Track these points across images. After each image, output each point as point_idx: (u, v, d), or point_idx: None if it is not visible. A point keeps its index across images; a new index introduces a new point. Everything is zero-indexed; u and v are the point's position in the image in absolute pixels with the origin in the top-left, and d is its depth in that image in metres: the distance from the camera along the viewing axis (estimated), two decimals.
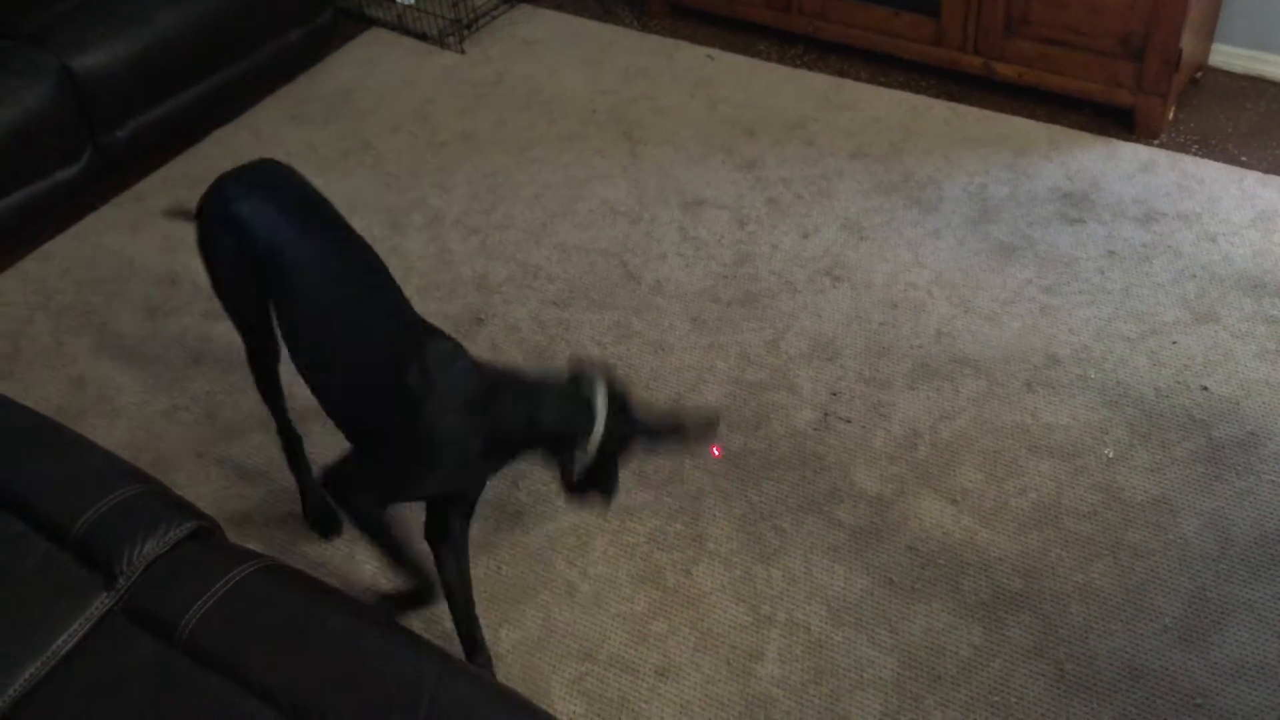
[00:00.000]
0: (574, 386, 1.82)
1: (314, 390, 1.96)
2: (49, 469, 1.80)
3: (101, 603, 1.61)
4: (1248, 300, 2.69)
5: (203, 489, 2.45)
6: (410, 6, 3.98)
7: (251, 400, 2.64)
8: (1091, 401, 2.50)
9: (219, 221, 2.04)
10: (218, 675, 1.51)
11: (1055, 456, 2.40)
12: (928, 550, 2.24)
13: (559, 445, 1.80)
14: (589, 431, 1.77)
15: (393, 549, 1.93)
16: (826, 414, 2.52)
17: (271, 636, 1.57)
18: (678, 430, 1.86)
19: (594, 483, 1.84)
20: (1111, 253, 2.85)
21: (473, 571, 2.26)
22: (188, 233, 3.12)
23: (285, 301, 1.94)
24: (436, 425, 1.77)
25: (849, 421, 2.50)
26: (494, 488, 2.41)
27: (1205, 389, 2.51)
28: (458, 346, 1.87)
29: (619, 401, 1.82)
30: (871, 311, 2.75)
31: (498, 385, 1.82)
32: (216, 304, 2.87)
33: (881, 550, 2.25)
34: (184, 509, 1.77)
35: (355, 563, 2.29)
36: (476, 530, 2.33)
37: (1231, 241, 2.85)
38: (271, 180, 2.10)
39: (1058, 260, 2.84)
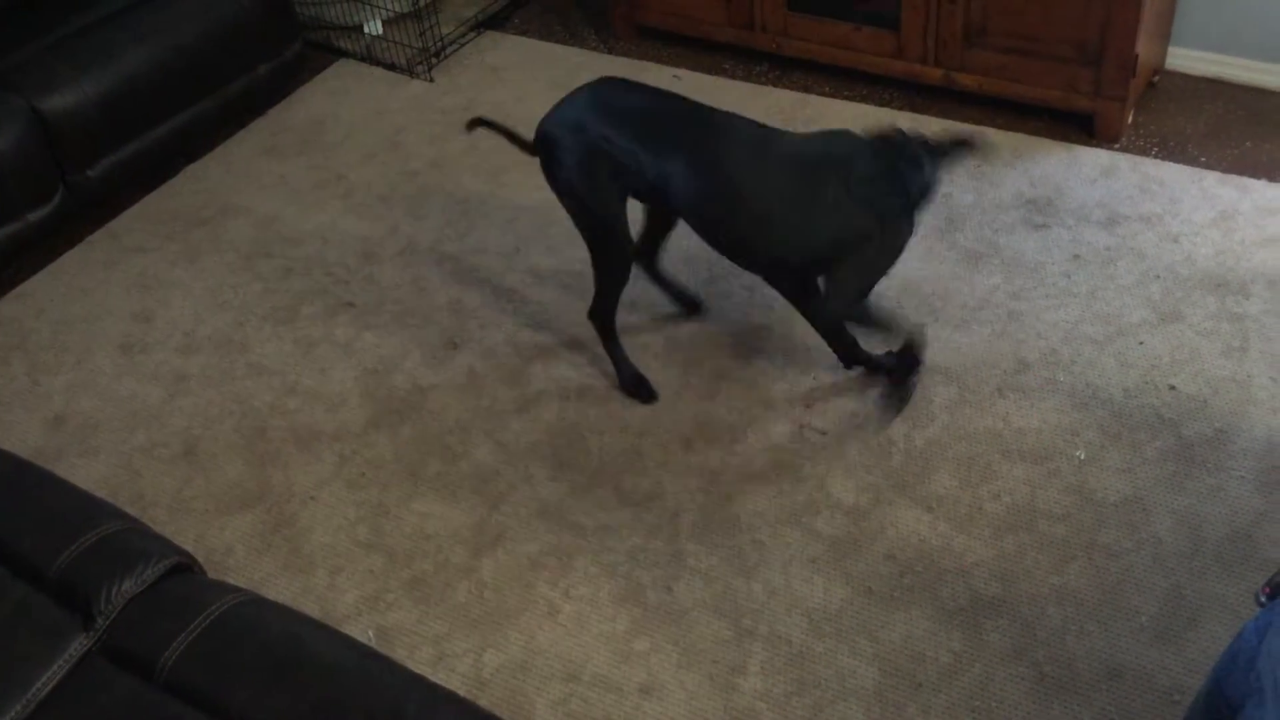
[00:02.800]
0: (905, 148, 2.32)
1: (735, 254, 2.47)
2: (26, 511, 1.81)
3: (80, 643, 1.62)
4: (1211, 299, 2.73)
5: (182, 524, 2.45)
6: (378, 37, 4.01)
7: (229, 434, 2.66)
8: (1062, 404, 2.53)
9: (572, 145, 2.40)
10: (198, 711, 1.52)
11: (1028, 460, 2.42)
12: (905, 558, 2.26)
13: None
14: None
15: (887, 320, 2.45)
16: (801, 426, 2.55)
17: (252, 670, 1.58)
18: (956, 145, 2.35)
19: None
20: (1076, 256, 2.88)
21: (453, 596, 2.27)
22: (162, 268, 3.15)
23: (675, 189, 2.36)
24: (891, 215, 2.31)
25: (824, 433, 2.53)
26: (475, 510, 2.43)
27: (1173, 388, 2.54)
28: (853, 138, 2.36)
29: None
30: None
31: (895, 158, 2.31)
32: (192, 339, 2.90)
33: (860, 559, 2.27)
34: (162, 546, 1.78)
35: (337, 591, 2.30)
36: (457, 554, 2.35)
37: (1193, 241, 2.89)
38: (597, 95, 2.45)
39: (1024, 266, 2.87)
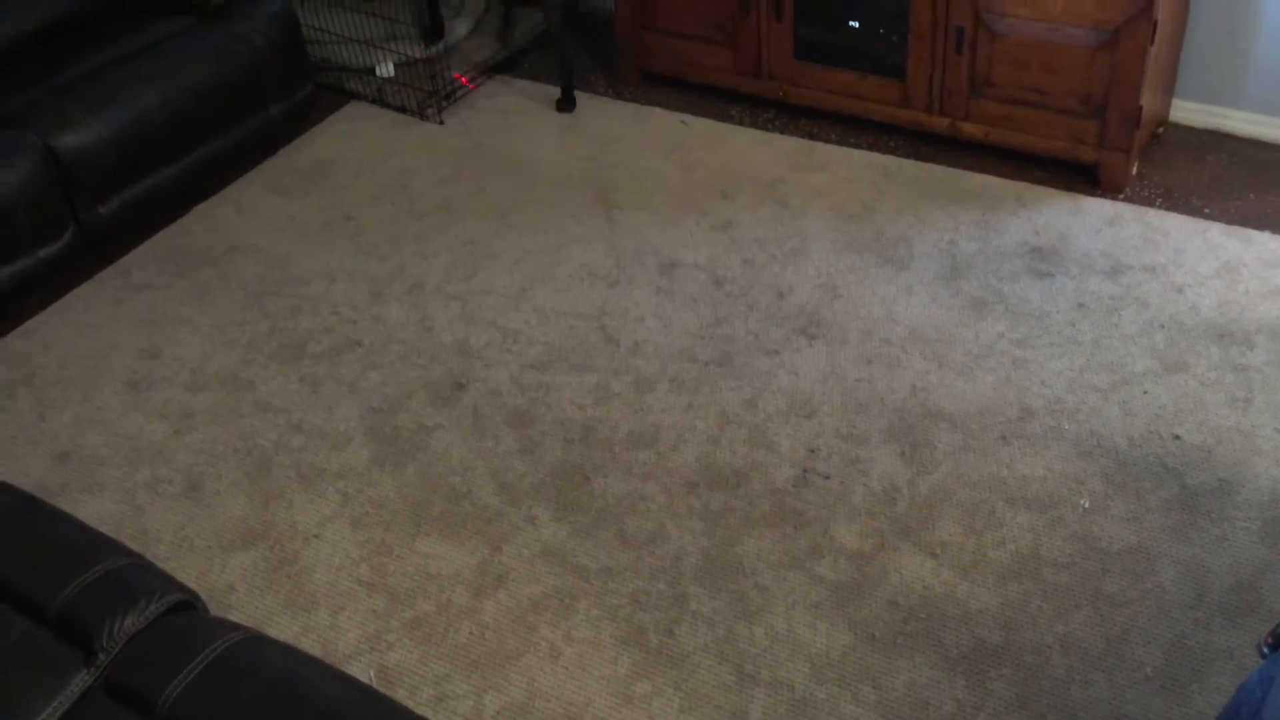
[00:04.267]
0: None
1: None
2: (29, 546, 1.81)
3: (81, 680, 1.61)
4: (1215, 349, 2.74)
5: (184, 561, 2.45)
6: (389, 79, 4.05)
7: (233, 471, 2.66)
8: (1066, 452, 2.53)
9: None
10: None
11: (1032, 508, 2.42)
12: (909, 604, 2.25)
13: None
14: None
15: None
16: (805, 471, 2.55)
17: (253, 708, 1.57)
18: None
19: None
20: (1081, 305, 2.90)
21: (455, 637, 2.26)
22: (170, 306, 3.17)
23: None
24: None
25: (828, 478, 2.53)
26: (478, 550, 2.42)
27: (1177, 437, 2.54)
28: None
29: None
30: (847, 368, 2.79)
31: None
32: (199, 376, 2.92)
33: (863, 605, 2.26)
34: (165, 582, 1.77)
35: (338, 631, 2.29)
36: (459, 594, 2.34)
37: (1198, 292, 2.90)
38: None
39: (1028, 314, 2.89)
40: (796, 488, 2.51)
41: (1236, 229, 3.09)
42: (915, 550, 2.35)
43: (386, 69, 4.07)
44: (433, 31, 4.05)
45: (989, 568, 2.31)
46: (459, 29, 4.16)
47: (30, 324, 3.15)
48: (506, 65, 4.13)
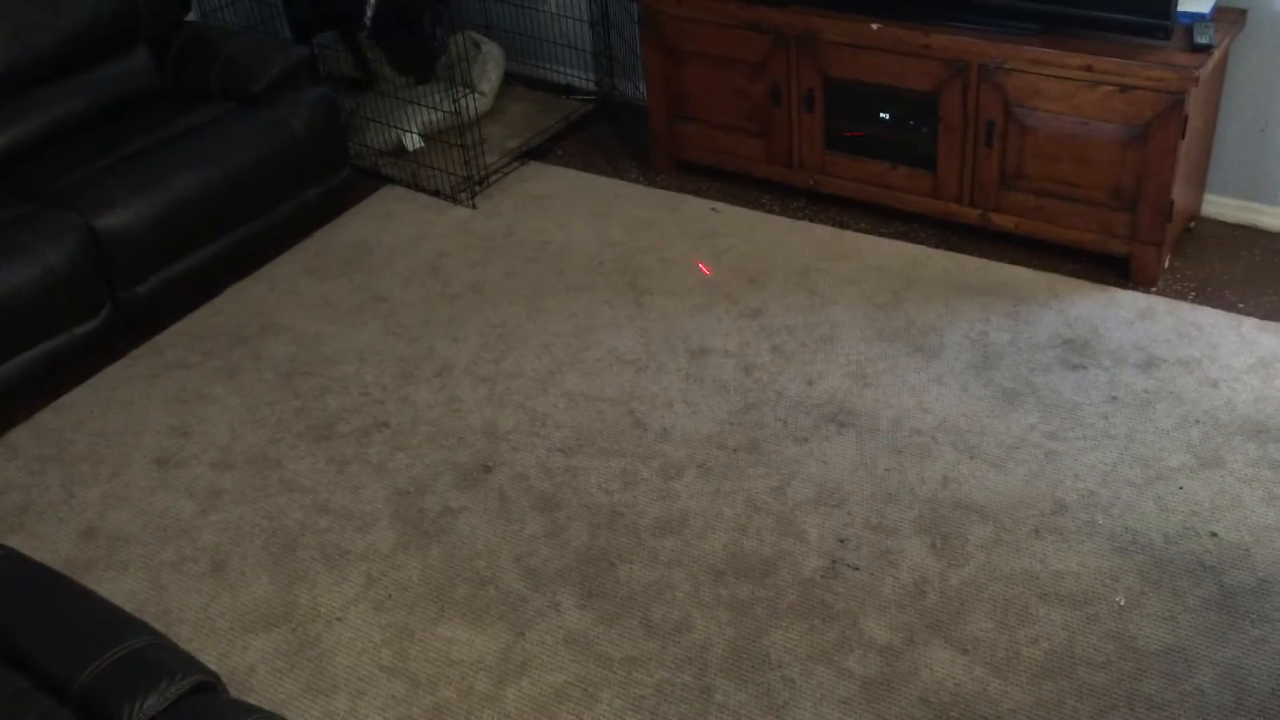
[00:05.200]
0: None
1: None
2: (54, 623, 1.80)
3: None
4: (1252, 445, 2.70)
5: (206, 641, 2.43)
6: (422, 163, 4.11)
7: (258, 552, 2.65)
8: (1100, 548, 2.49)
9: None
10: None
11: (1066, 604, 2.37)
12: (940, 702, 2.20)
13: None
14: None
15: None
16: (834, 561, 2.51)
17: None
18: None
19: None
20: (1114, 398, 2.87)
21: None
22: (201, 384, 3.19)
23: None
24: None
25: (857, 569, 2.49)
26: (501, 636, 2.39)
27: (1214, 535, 2.50)
28: None
29: None
30: (877, 458, 2.76)
31: None
32: (227, 455, 2.93)
33: (893, 702, 2.21)
34: (187, 663, 1.76)
35: (358, 717, 2.26)
36: (481, 681, 2.31)
37: (1233, 387, 2.87)
38: None
39: (1061, 406, 2.86)
40: (825, 578, 2.47)
41: (1271, 324, 3.07)
42: (946, 646, 2.31)
43: (415, 140, 4.14)
44: (368, 75, 4.23)
45: (1022, 665, 2.26)
46: (478, 104, 4.22)
47: (64, 400, 3.18)
48: (539, 152, 4.19)
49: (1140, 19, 3.00)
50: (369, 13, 3.84)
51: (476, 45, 4.40)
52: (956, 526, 2.56)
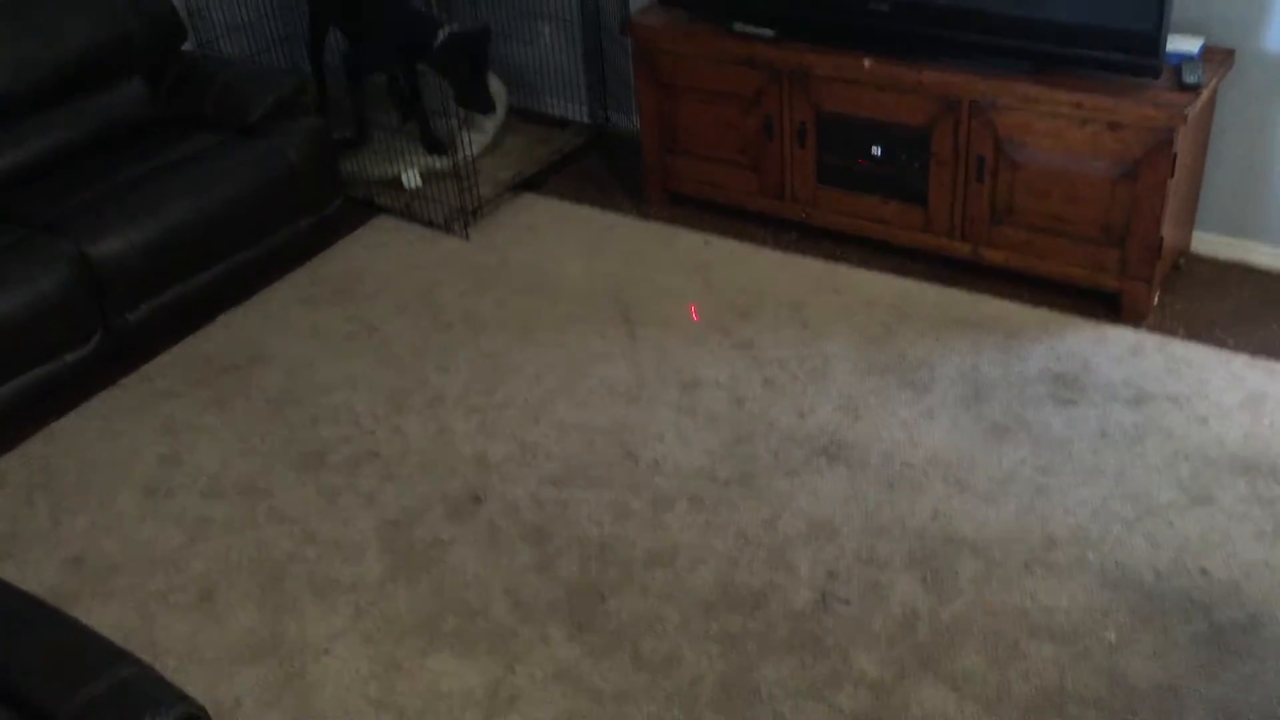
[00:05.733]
0: None
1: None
2: (39, 654, 1.78)
3: None
4: (1241, 482, 2.71)
5: (193, 673, 2.41)
6: (417, 192, 4.12)
7: (246, 582, 2.64)
8: (1091, 583, 2.48)
9: None
10: None
11: (1057, 640, 2.37)
12: None
13: None
14: None
15: None
16: (825, 595, 2.51)
17: None
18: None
19: None
20: (1104, 434, 2.88)
21: None
22: (191, 413, 3.18)
23: None
24: None
25: (848, 603, 2.48)
26: (490, 669, 2.38)
27: (1204, 571, 2.50)
28: None
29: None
30: (868, 491, 2.76)
31: None
32: (216, 484, 2.91)
33: None
34: (173, 695, 1.74)
35: None
36: (470, 716, 2.29)
37: (1222, 423, 2.88)
38: None
39: (1051, 441, 2.87)
40: (816, 612, 2.47)
41: (1261, 361, 3.08)
42: (937, 681, 2.30)
43: (414, 179, 4.15)
44: (435, 145, 4.16)
45: (1013, 702, 2.25)
46: (479, 140, 4.24)
47: (52, 428, 3.17)
48: (533, 183, 4.20)
49: (1129, 58, 3.03)
50: (440, 38, 3.86)
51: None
52: (947, 561, 2.56)
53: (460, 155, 3.89)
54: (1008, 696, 2.26)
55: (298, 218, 3.72)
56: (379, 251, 3.90)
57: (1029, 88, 3.13)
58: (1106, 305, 3.31)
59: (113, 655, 1.80)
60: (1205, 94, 3.05)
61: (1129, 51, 3.02)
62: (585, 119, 4.51)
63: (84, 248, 3.18)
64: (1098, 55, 3.07)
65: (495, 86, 4.41)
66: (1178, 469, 2.76)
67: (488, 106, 3.94)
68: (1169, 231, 3.18)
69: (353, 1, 4.14)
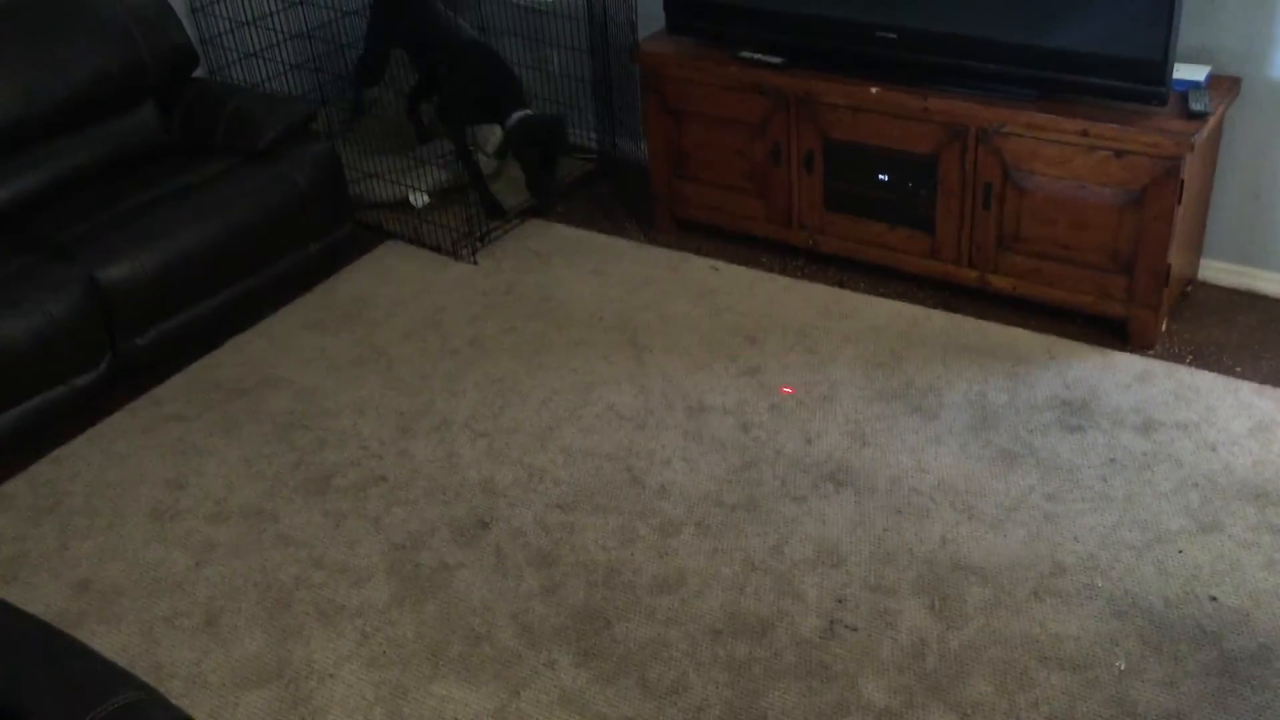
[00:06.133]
0: None
1: None
2: (45, 677, 1.78)
3: None
4: (1251, 509, 2.69)
5: (198, 698, 2.41)
6: (425, 219, 4.14)
7: (252, 606, 2.63)
8: (1100, 611, 2.47)
9: None
10: None
11: (1066, 668, 2.35)
12: None
13: None
14: None
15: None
16: (832, 622, 2.50)
17: None
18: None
19: None
20: (1112, 460, 2.87)
21: None
22: (199, 437, 3.19)
23: None
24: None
25: (855, 630, 2.47)
26: (495, 695, 2.37)
27: (1214, 599, 2.48)
28: None
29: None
30: (875, 517, 2.75)
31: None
32: (222, 507, 2.91)
33: None
34: (179, 719, 1.74)
35: None
36: None
37: (1231, 451, 2.87)
38: None
39: (1059, 468, 2.86)
40: (823, 639, 2.46)
41: (1269, 389, 3.07)
42: (946, 710, 2.28)
43: (421, 198, 4.16)
44: (495, 210, 4.11)
45: None
46: (488, 165, 4.26)
47: (60, 451, 3.17)
48: (541, 209, 4.22)
49: (1136, 86, 3.04)
50: (514, 119, 3.79)
51: None
52: (955, 588, 2.55)
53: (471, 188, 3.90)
54: None
55: (307, 243, 3.74)
56: (387, 276, 3.91)
57: (1035, 115, 3.14)
58: (1114, 332, 3.31)
59: (118, 679, 1.80)
60: (1212, 122, 3.06)
61: (1136, 79, 3.03)
62: (594, 145, 4.53)
63: (94, 272, 3.19)
64: (1104, 83, 3.09)
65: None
66: (1187, 496, 2.75)
67: (554, 196, 3.86)
68: (1176, 259, 3.18)
69: (434, 35, 4.09)
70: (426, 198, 4.17)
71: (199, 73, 4.14)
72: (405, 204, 4.20)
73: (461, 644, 2.50)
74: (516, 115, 3.80)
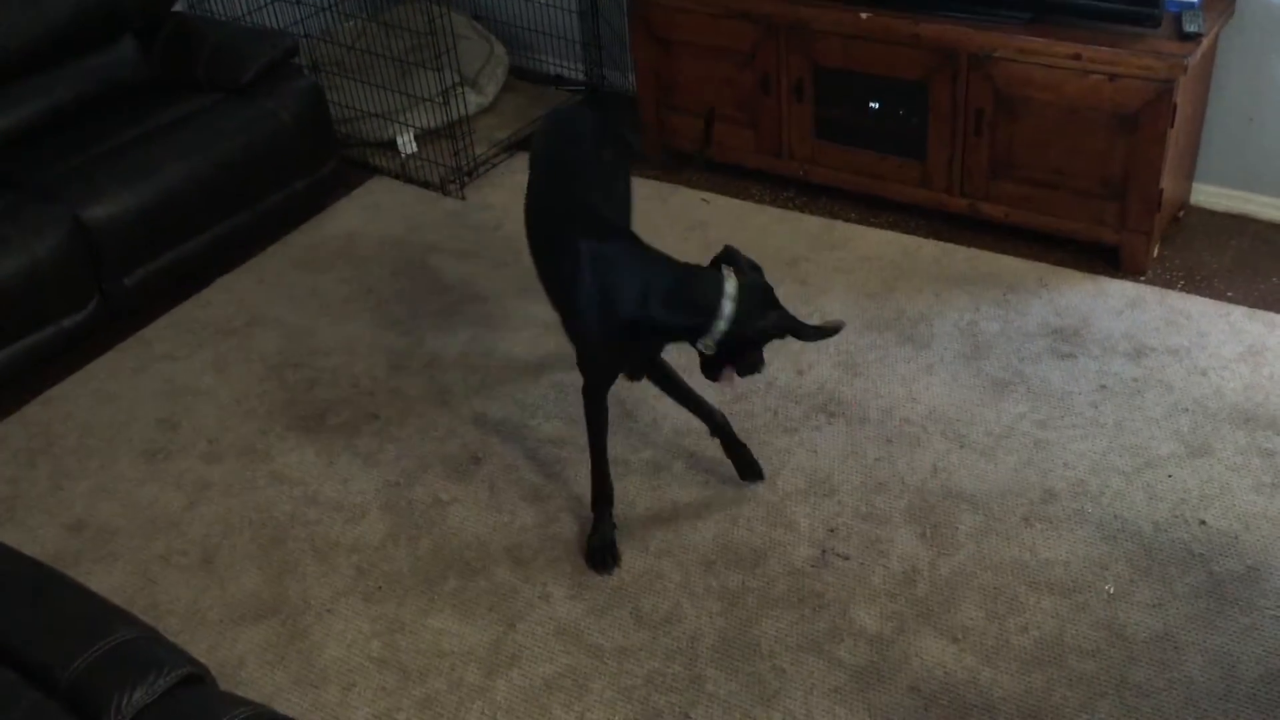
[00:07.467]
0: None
1: None
2: (41, 616, 1.79)
3: None
4: (1241, 433, 2.71)
5: (195, 634, 2.43)
6: (413, 155, 4.10)
7: (247, 544, 2.64)
8: (1090, 536, 2.49)
9: None
10: None
11: (1056, 593, 2.38)
12: (930, 690, 2.21)
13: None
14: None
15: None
16: (824, 551, 2.51)
17: None
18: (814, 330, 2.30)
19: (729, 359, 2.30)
20: (1103, 387, 2.87)
21: (466, 716, 2.23)
22: (190, 377, 3.18)
23: None
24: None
25: (847, 559, 2.49)
26: (491, 628, 2.39)
27: (1203, 523, 2.50)
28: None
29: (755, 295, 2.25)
30: (867, 447, 2.76)
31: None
32: (216, 447, 2.91)
33: (883, 691, 2.21)
34: (175, 655, 1.75)
35: (348, 708, 2.26)
36: (471, 673, 2.30)
37: (1222, 375, 2.88)
38: None
39: (1050, 395, 2.86)
40: (815, 568, 2.48)
41: (1260, 313, 3.07)
42: (936, 634, 2.31)
43: (408, 144, 4.11)
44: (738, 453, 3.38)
45: (1012, 654, 2.26)
46: (478, 102, 4.21)
47: (51, 393, 3.16)
48: (528, 142, 4.17)
49: (1129, 7, 3.00)
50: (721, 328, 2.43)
51: (489, 43, 4.37)
52: (946, 515, 2.57)
53: (459, 114, 3.85)
54: (1006, 649, 2.27)
55: (292, 180, 3.70)
56: (375, 213, 3.88)
57: (1027, 39, 3.10)
58: (1106, 258, 3.30)
59: (114, 617, 1.81)
60: (1205, 43, 3.02)
61: (1128, 0, 2.99)
62: (581, 77, 4.48)
63: (78, 212, 3.16)
64: (1097, 4, 3.05)
65: (498, 50, 4.37)
66: (1177, 421, 2.76)
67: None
68: (1169, 183, 3.16)
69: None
70: (414, 146, 4.11)
71: (178, 7, 4.06)
72: (392, 145, 4.15)
73: (457, 578, 2.52)
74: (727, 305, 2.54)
